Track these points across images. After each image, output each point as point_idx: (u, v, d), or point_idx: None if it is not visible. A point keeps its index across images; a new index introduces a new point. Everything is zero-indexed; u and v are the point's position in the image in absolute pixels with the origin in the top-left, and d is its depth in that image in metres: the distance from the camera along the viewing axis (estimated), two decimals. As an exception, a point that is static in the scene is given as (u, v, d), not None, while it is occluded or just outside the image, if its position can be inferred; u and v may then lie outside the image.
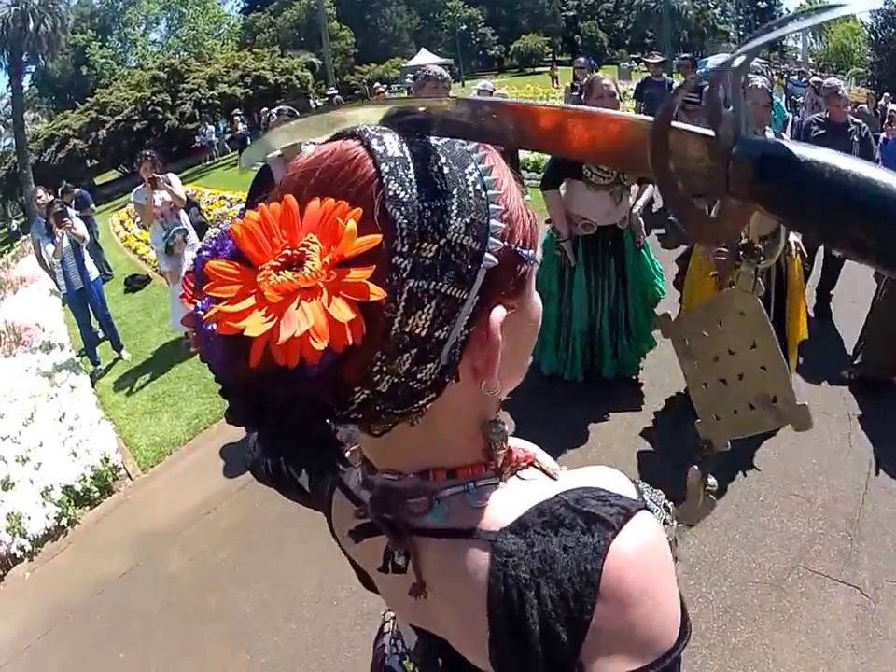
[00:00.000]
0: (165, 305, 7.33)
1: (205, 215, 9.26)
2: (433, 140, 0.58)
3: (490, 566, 0.60)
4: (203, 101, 32.84)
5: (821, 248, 5.01)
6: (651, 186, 4.31)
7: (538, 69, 44.12)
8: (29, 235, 10.12)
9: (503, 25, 52.90)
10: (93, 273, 6.48)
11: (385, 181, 0.52)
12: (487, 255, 0.55)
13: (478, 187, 0.56)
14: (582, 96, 4.11)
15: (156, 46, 49.17)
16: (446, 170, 0.55)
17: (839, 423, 3.79)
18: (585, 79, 4.58)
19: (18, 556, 3.95)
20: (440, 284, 0.53)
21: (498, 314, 0.57)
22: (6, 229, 29.76)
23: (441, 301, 0.53)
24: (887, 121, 7.13)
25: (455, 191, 0.54)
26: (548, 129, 0.57)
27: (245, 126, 21.57)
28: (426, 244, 0.52)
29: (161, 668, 3.00)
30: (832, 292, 5.10)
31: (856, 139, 4.59)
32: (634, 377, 4.40)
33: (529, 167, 10.26)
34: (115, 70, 42.99)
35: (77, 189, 10.75)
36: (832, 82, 6.04)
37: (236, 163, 19.77)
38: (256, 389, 0.51)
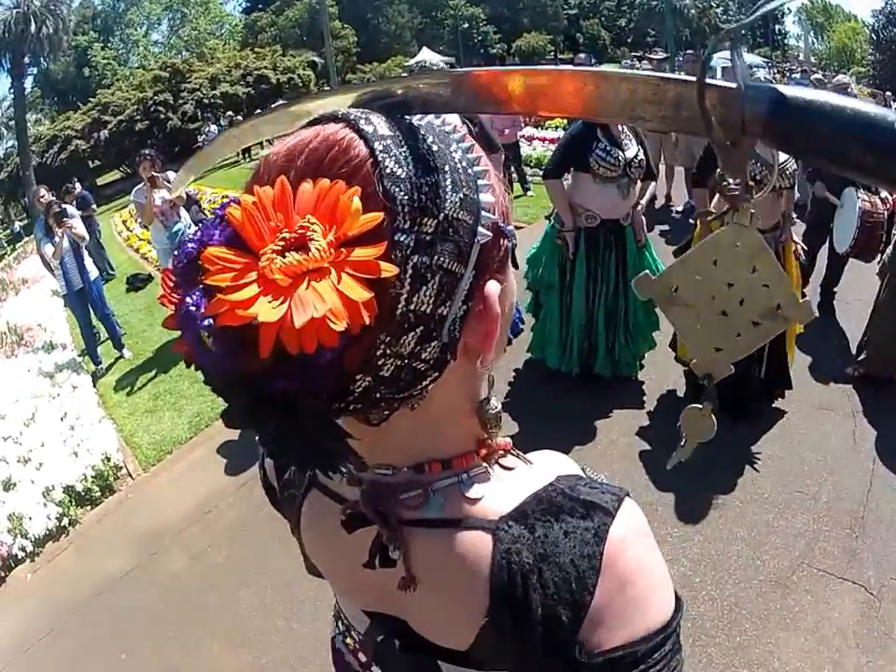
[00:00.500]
0: (167, 304, 7.32)
1: (206, 213, 9.25)
2: (414, 120, 0.58)
3: (492, 553, 0.62)
4: (206, 100, 32.87)
5: (825, 247, 5.00)
6: (653, 184, 4.29)
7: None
8: (31, 237, 10.13)
9: (505, 24, 52.82)
10: (93, 272, 6.48)
11: (380, 159, 0.52)
12: (481, 229, 0.56)
13: (464, 164, 0.57)
14: None
15: (158, 46, 49.30)
16: (435, 147, 0.55)
17: (843, 420, 3.78)
18: None
19: (19, 557, 3.94)
20: (441, 259, 0.53)
21: (494, 287, 0.59)
22: (8, 230, 29.83)
23: (443, 276, 0.53)
24: None
25: (446, 168, 0.55)
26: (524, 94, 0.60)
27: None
28: (426, 219, 0.52)
29: (163, 668, 3.00)
30: (835, 289, 5.07)
31: None
32: (633, 377, 4.38)
33: (532, 163, 10.25)
34: (117, 71, 43.11)
35: (77, 190, 10.75)
36: (841, 79, 6.03)
37: (238, 163, 19.78)
38: (258, 386, 0.48)
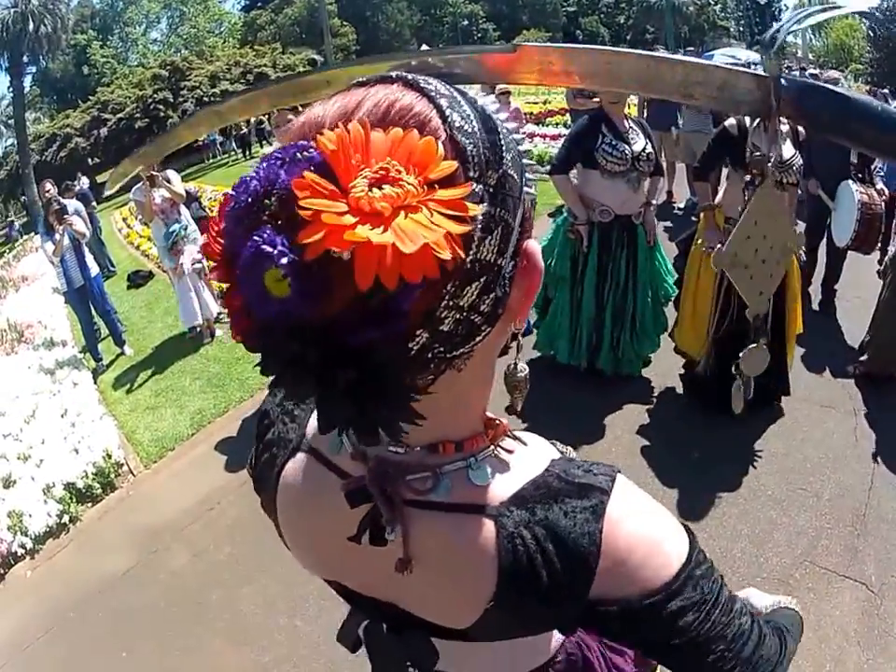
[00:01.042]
0: (168, 301, 7.33)
1: (207, 210, 9.25)
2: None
3: (496, 539, 0.64)
4: (205, 98, 32.81)
5: (822, 243, 5.00)
6: (662, 179, 4.28)
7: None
8: (31, 235, 10.12)
9: (504, 21, 52.74)
10: (94, 269, 6.47)
11: (447, 113, 0.54)
12: (526, 188, 0.60)
13: (508, 127, 0.61)
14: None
15: (157, 45, 49.21)
16: (485, 109, 0.58)
17: (845, 418, 3.78)
18: None
19: (19, 555, 3.93)
20: (502, 211, 0.54)
21: (535, 244, 0.62)
22: (7, 228, 29.81)
23: (503, 228, 0.55)
24: None
25: (499, 129, 0.58)
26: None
27: (248, 124, 21.58)
28: (490, 171, 0.54)
29: (164, 666, 2.98)
30: (836, 287, 5.07)
31: None
32: (637, 375, 4.37)
33: (533, 160, 10.24)
34: (116, 69, 43.03)
35: (77, 187, 10.74)
36: (831, 75, 6.06)
37: (239, 161, 19.79)
38: (332, 337, 0.47)
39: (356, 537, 0.67)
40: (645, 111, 7.90)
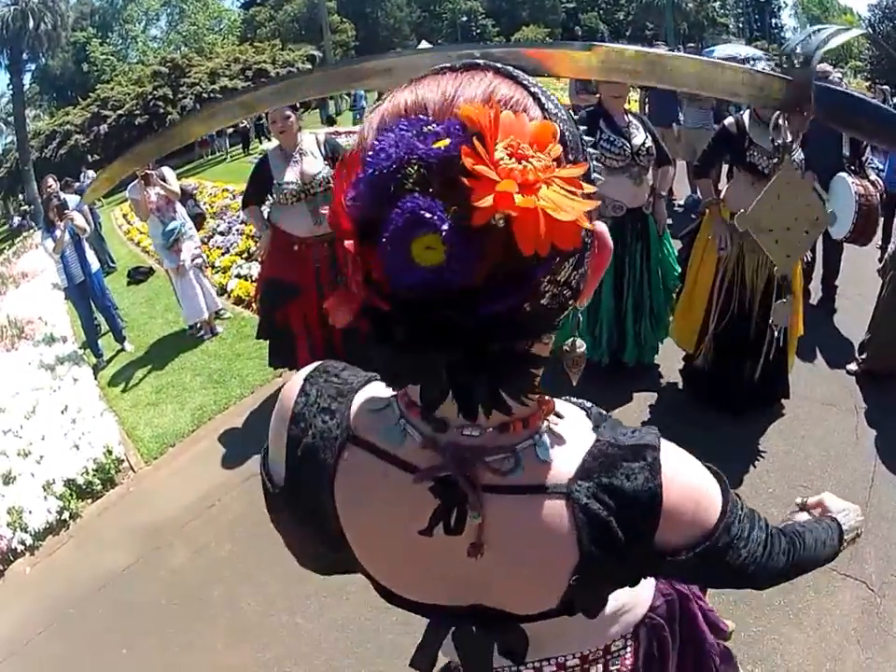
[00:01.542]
0: (169, 297, 7.31)
1: (202, 205, 9.25)
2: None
3: (573, 515, 0.68)
4: (205, 95, 32.77)
5: (819, 239, 4.97)
6: (672, 169, 4.26)
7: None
8: (31, 231, 10.13)
9: (503, 17, 52.72)
10: (94, 264, 6.47)
11: (542, 100, 0.56)
12: (594, 174, 0.62)
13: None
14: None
15: (156, 42, 49.25)
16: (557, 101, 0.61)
17: (846, 415, 3.78)
18: None
19: (19, 551, 3.91)
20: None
21: (603, 224, 0.64)
22: (7, 225, 29.80)
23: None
24: None
25: (573, 119, 0.61)
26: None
27: (250, 120, 21.55)
28: (579, 156, 0.58)
29: (165, 664, 2.98)
30: (836, 283, 5.07)
31: None
32: (654, 364, 4.37)
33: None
34: (116, 66, 42.99)
35: (78, 184, 10.73)
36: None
37: (238, 157, 19.77)
38: (473, 303, 0.47)
39: (427, 529, 0.66)
40: (646, 107, 7.87)
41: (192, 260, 6.12)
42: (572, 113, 0.62)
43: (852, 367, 4.13)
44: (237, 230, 9.45)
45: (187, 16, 47.82)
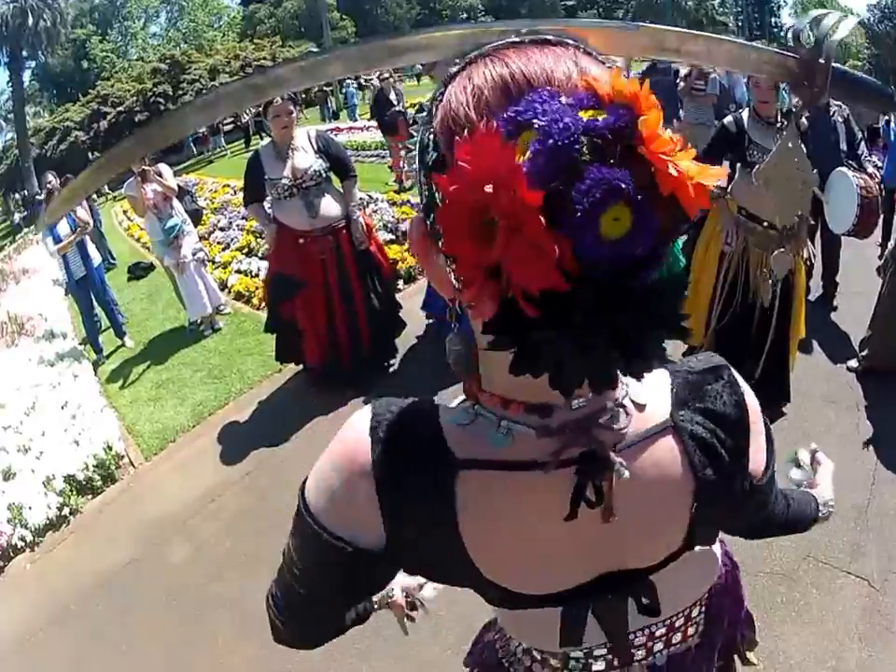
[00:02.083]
0: (169, 293, 7.30)
1: (201, 201, 9.24)
2: None
3: (683, 444, 0.72)
4: (205, 92, 32.71)
5: (817, 236, 4.96)
6: None
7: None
8: (31, 228, 10.12)
9: (503, 15, 52.57)
10: (96, 259, 6.47)
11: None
12: None
13: None
14: None
15: (156, 39, 49.31)
16: None
17: (847, 413, 3.76)
18: None
19: (19, 547, 3.91)
20: None
21: None
22: (7, 222, 29.79)
23: None
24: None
25: None
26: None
27: (249, 116, 21.53)
28: None
29: (165, 660, 2.97)
30: (836, 279, 5.06)
31: (839, 119, 4.60)
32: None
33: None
34: (115, 63, 42.99)
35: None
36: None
37: (239, 153, 19.75)
38: (637, 273, 0.48)
39: (571, 513, 0.65)
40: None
41: (194, 254, 6.11)
42: None
43: (853, 364, 4.12)
44: (237, 225, 9.45)
45: (186, 13, 47.91)
